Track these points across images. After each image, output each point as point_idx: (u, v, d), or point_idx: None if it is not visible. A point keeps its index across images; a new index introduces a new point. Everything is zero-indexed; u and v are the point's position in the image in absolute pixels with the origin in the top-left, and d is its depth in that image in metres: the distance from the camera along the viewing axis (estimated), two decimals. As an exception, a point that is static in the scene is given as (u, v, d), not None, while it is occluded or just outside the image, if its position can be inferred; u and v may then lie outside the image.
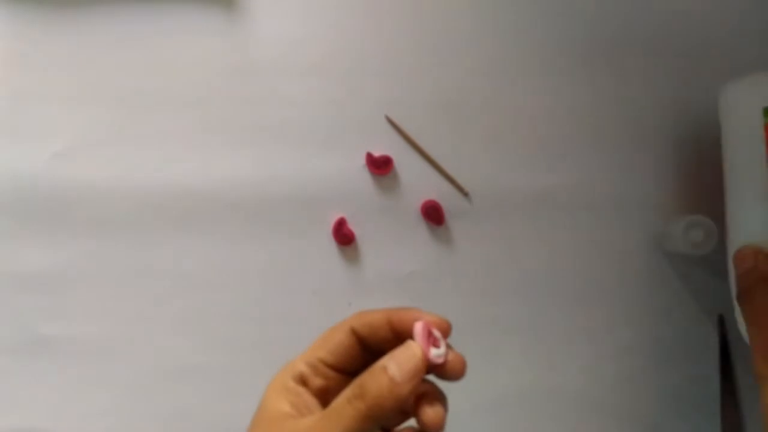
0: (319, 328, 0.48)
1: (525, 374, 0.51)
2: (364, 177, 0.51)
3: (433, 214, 0.51)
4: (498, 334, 0.51)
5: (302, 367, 0.33)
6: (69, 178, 0.50)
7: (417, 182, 0.51)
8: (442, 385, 0.33)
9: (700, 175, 0.52)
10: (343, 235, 0.50)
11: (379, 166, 0.51)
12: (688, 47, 0.53)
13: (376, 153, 0.51)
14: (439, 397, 0.32)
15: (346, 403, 0.30)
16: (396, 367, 0.30)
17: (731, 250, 0.44)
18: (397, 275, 0.51)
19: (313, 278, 0.51)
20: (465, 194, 0.51)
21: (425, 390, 0.32)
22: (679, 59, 0.53)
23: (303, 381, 0.33)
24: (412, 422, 0.32)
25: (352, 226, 0.51)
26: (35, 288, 0.50)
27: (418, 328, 0.31)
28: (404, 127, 0.51)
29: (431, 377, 0.32)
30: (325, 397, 0.33)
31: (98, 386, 0.50)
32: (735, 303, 0.42)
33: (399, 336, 0.32)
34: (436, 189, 0.51)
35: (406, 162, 0.51)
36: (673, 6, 0.53)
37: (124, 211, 0.50)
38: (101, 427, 0.50)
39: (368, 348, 0.34)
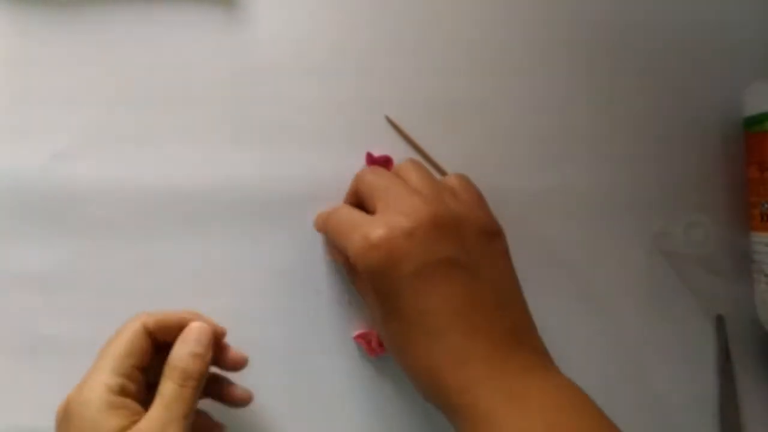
0: (319, 327, 0.48)
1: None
2: (364, 177, 0.51)
3: (433, 214, 0.51)
4: (498, 334, 0.51)
5: (118, 380, 0.37)
6: (69, 178, 0.50)
7: (417, 182, 0.51)
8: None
9: (701, 175, 0.52)
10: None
11: (379, 166, 0.51)
12: (690, 47, 0.53)
13: (376, 153, 0.51)
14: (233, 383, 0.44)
15: (180, 388, 0.36)
16: (197, 344, 0.39)
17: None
18: (397, 275, 0.51)
19: (313, 278, 0.51)
20: (465, 194, 0.51)
21: (218, 377, 0.44)
22: (680, 60, 0.53)
23: (123, 392, 0.37)
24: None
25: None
26: (35, 288, 0.50)
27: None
28: (404, 127, 0.51)
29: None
30: (137, 397, 0.38)
31: (98, 386, 0.50)
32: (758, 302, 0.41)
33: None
34: (436, 189, 0.51)
35: (406, 162, 0.51)
36: (676, 6, 0.53)
37: (124, 211, 0.50)
38: (101, 427, 0.49)
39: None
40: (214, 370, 0.44)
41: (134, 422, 0.35)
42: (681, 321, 0.52)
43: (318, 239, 0.51)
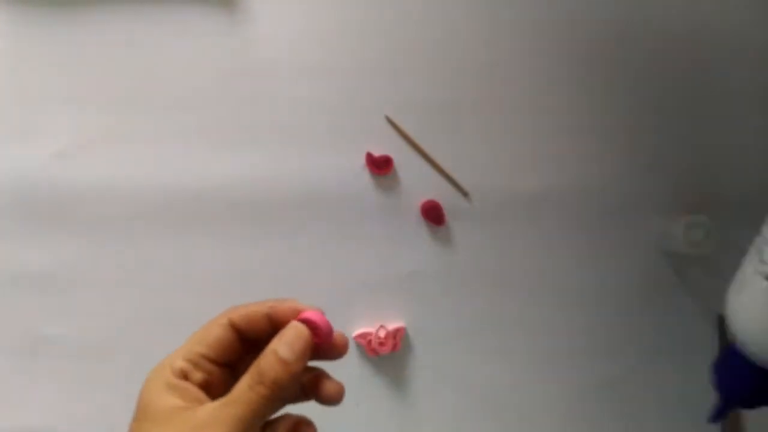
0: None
1: (525, 372, 0.51)
2: (364, 177, 0.51)
3: (433, 214, 0.51)
4: (498, 333, 0.51)
5: (181, 364, 0.34)
6: (69, 178, 0.50)
7: (417, 182, 0.51)
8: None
9: (701, 175, 0.52)
10: None
11: (379, 166, 0.51)
12: (689, 49, 0.53)
13: (376, 153, 0.51)
14: (331, 377, 0.36)
15: (248, 389, 0.32)
16: (286, 348, 0.33)
17: None
18: (397, 275, 0.51)
19: (313, 278, 0.51)
20: (465, 194, 0.51)
21: (319, 374, 0.36)
22: (680, 60, 0.53)
23: (184, 376, 0.34)
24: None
25: (352, 226, 0.51)
26: (35, 288, 0.50)
27: (307, 315, 0.34)
28: (404, 127, 0.51)
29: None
30: (207, 390, 0.34)
31: (98, 386, 0.50)
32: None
33: (278, 328, 0.34)
34: (436, 189, 0.51)
35: (406, 162, 0.51)
36: (675, 8, 0.53)
37: (124, 211, 0.50)
38: (101, 427, 0.50)
39: (246, 340, 0.35)
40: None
41: (189, 407, 0.32)
42: (681, 321, 0.52)
43: (317, 239, 0.51)
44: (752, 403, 0.33)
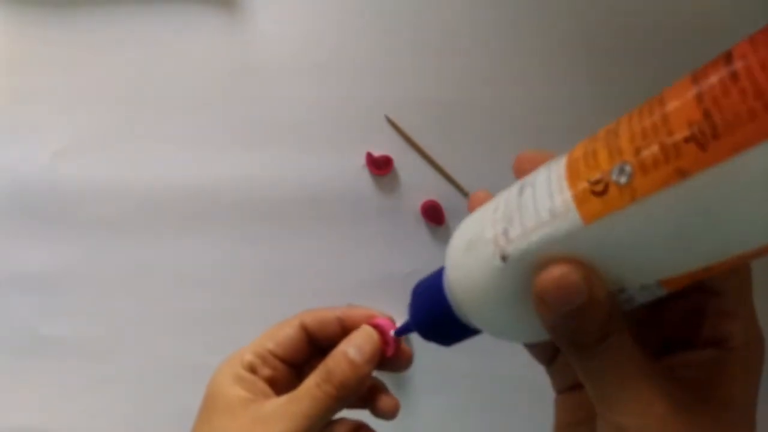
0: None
1: (527, 371, 0.51)
2: (364, 177, 0.51)
3: (433, 214, 0.51)
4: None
5: (250, 357, 0.35)
6: (69, 177, 0.50)
7: (417, 182, 0.51)
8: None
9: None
10: None
11: (379, 166, 0.51)
12: (691, 47, 0.53)
13: (376, 153, 0.51)
14: (389, 391, 0.36)
15: (315, 387, 0.32)
16: (356, 350, 0.33)
17: None
18: (397, 275, 0.51)
19: (313, 278, 0.51)
20: (465, 194, 0.51)
21: (376, 384, 0.36)
22: (681, 60, 0.53)
23: (252, 370, 0.35)
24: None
25: (352, 226, 0.51)
26: (35, 288, 0.50)
27: (378, 322, 0.34)
28: (404, 127, 0.51)
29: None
30: (272, 386, 0.35)
31: (98, 386, 0.50)
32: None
33: (348, 333, 0.35)
34: (436, 189, 0.51)
35: (406, 162, 0.51)
36: (677, 5, 0.53)
37: (124, 211, 0.50)
38: (101, 427, 0.50)
39: (315, 343, 0.36)
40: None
41: (256, 400, 0.33)
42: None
43: (317, 240, 0.51)
44: (430, 337, 0.32)
